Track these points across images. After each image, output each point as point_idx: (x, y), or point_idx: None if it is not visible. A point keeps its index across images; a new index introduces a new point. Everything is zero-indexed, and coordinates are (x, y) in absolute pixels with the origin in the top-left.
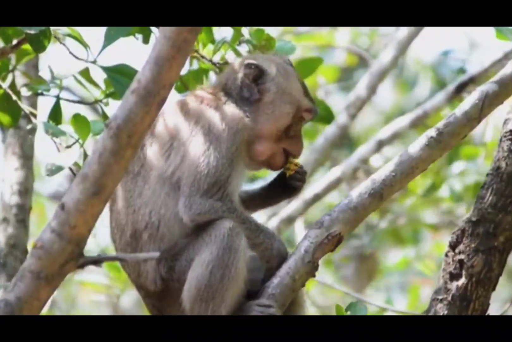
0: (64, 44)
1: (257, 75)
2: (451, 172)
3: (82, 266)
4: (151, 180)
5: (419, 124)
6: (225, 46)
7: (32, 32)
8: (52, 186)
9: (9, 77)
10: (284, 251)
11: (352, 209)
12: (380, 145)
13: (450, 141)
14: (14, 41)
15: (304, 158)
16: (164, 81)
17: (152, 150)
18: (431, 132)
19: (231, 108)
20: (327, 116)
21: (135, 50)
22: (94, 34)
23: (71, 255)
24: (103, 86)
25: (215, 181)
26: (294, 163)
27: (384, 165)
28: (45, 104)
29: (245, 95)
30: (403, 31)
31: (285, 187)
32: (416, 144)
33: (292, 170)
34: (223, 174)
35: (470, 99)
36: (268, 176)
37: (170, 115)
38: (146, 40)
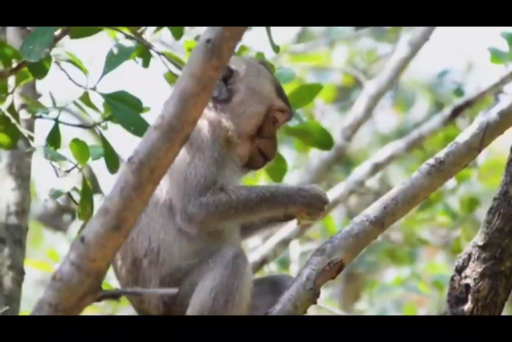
0: (64, 70)
1: (227, 75)
2: (445, 187)
3: (100, 299)
4: (147, 207)
5: (415, 147)
6: None
7: (32, 60)
8: (40, 208)
9: (8, 99)
10: (291, 187)
11: (354, 236)
12: (376, 168)
13: (451, 170)
14: (14, 64)
15: (299, 179)
16: (188, 117)
17: None
18: (433, 161)
19: (206, 114)
20: (327, 142)
21: (134, 72)
22: (92, 49)
23: (89, 288)
24: (102, 109)
25: (205, 186)
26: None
27: (385, 193)
28: (42, 125)
29: (213, 95)
30: (400, 52)
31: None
32: (418, 173)
33: (301, 222)
34: (212, 178)
35: (471, 128)
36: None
37: None
38: (146, 64)
